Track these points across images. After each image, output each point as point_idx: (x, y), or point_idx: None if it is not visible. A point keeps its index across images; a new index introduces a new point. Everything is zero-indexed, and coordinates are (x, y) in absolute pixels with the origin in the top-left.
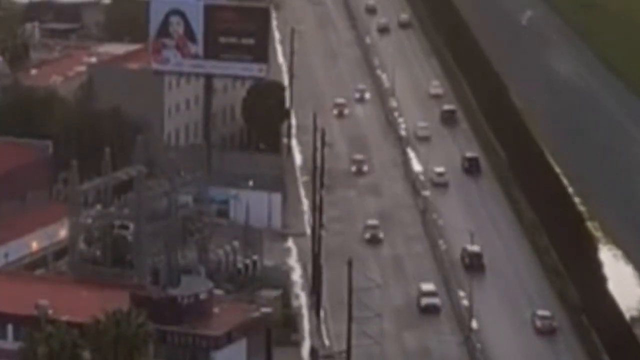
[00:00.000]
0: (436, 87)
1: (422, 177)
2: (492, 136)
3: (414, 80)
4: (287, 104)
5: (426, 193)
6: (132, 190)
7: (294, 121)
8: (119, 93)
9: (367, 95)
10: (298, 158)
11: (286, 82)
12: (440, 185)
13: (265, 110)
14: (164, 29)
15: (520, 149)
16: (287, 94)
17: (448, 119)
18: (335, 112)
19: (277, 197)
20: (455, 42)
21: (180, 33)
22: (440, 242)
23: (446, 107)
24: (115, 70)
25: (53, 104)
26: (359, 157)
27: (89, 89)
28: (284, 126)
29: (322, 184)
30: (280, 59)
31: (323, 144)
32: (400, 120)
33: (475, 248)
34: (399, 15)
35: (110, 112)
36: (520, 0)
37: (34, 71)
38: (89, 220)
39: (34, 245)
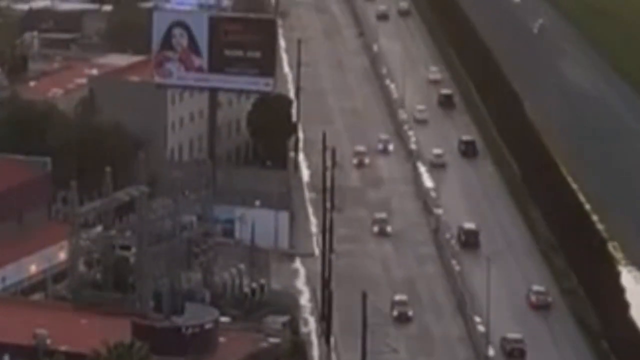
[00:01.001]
0: (434, 72)
1: (433, 194)
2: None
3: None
4: (294, 117)
5: (439, 211)
6: (134, 210)
7: (301, 135)
8: (120, 107)
9: (391, 147)
10: (305, 174)
11: (292, 93)
12: (438, 166)
13: (272, 124)
14: (167, 42)
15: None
16: (293, 107)
17: (445, 103)
18: (355, 161)
19: (284, 216)
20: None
21: (184, 46)
22: (454, 262)
23: (443, 91)
24: (117, 83)
25: (52, 118)
26: (381, 215)
27: (89, 103)
28: (291, 140)
29: (332, 206)
30: (286, 68)
31: (333, 163)
32: (411, 133)
33: (471, 225)
34: (398, 3)
35: (112, 127)
36: (532, 8)
37: (32, 84)
38: (89, 243)
39: (32, 268)
